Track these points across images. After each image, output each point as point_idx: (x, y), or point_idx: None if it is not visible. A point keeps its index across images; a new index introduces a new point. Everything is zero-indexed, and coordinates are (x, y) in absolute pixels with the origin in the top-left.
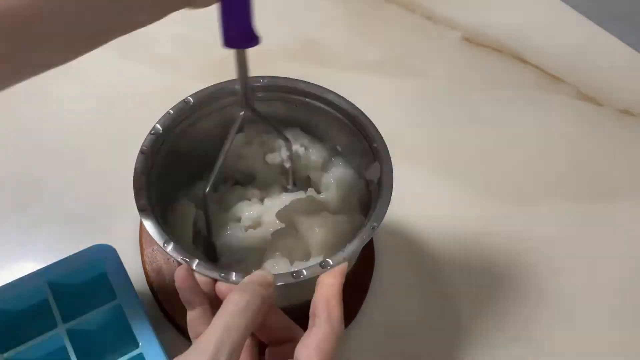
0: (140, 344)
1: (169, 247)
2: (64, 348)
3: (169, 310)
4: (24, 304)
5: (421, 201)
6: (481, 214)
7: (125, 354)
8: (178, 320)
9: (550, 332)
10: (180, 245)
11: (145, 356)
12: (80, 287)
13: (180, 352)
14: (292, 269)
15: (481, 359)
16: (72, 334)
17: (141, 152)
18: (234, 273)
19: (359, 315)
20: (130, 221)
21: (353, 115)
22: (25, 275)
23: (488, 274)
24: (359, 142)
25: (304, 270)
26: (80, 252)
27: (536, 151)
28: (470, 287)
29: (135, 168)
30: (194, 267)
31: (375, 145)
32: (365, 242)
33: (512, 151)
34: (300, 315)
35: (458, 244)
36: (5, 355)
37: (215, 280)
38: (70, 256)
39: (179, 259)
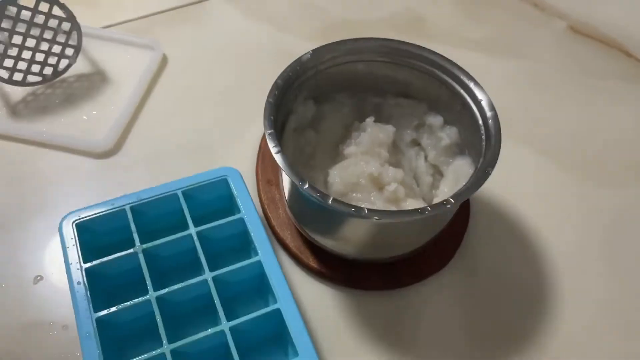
0: (260, 253)
1: (305, 186)
2: (194, 248)
3: (280, 235)
4: (160, 209)
5: (517, 176)
6: (574, 194)
7: (246, 259)
8: (288, 243)
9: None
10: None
11: (264, 263)
12: (208, 202)
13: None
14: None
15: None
16: (201, 238)
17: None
18: (365, 208)
19: (451, 263)
20: (249, 149)
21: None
22: (162, 185)
23: (578, 251)
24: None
25: (428, 207)
26: (210, 171)
27: (632, 139)
28: (553, 259)
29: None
30: (329, 203)
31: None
32: (480, 186)
33: (609, 136)
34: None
35: (549, 218)
36: (144, 246)
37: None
38: (200, 174)
39: (314, 196)
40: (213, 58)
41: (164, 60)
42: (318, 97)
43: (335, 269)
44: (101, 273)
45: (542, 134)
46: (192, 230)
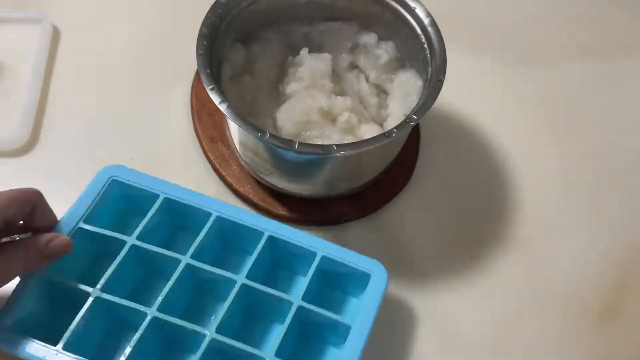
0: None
1: (266, 137)
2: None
3: (241, 191)
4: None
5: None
6: (517, 86)
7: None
8: (252, 197)
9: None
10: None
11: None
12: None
13: None
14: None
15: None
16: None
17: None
18: (333, 145)
19: (415, 176)
20: (182, 109)
21: None
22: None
23: (530, 140)
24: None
25: (395, 130)
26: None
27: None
28: (508, 152)
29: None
30: (296, 149)
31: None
32: (437, 96)
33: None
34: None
35: (497, 114)
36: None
37: None
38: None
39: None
40: (114, 15)
41: (55, 32)
42: (244, 39)
43: (306, 212)
44: (82, 339)
45: (478, 32)
46: (132, 240)
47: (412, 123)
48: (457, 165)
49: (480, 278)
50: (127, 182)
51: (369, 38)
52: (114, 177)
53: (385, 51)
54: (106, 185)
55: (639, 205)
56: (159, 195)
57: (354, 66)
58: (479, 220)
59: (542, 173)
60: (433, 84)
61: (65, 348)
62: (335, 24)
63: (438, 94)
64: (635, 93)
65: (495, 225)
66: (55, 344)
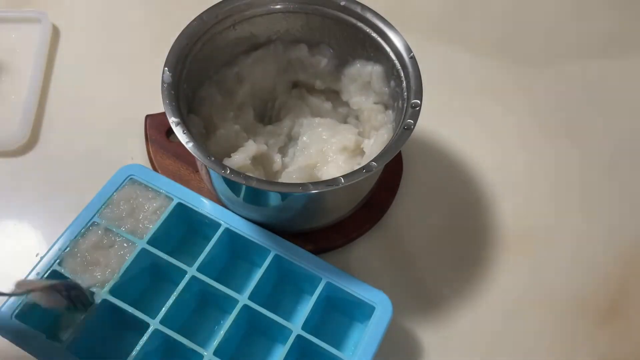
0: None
1: (227, 171)
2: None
3: None
4: None
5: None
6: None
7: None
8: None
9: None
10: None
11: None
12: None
13: None
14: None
15: (498, 262)
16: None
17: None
18: (309, 184)
19: (387, 214)
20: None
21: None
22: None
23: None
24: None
25: (342, 179)
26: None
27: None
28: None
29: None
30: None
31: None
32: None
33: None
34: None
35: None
36: (105, 289)
37: None
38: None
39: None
40: (114, 15)
41: (55, 32)
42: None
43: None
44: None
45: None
46: (142, 244)
47: (374, 164)
48: (444, 172)
49: (480, 290)
50: (144, 183)
51: (299, 51)
52: (132, 176)
53: (322, 56)
54: (124, 183)
55: (638, 205)
56: (172, 199)
57: (294, 85)
58: (476, 229)
59: (539, 174)
60: (408, 110)
61: (68, 348)
62: (259, 52)
63: (406, 139)
64: (630, 93)
65: (495, 231)
66: (56, 340)
